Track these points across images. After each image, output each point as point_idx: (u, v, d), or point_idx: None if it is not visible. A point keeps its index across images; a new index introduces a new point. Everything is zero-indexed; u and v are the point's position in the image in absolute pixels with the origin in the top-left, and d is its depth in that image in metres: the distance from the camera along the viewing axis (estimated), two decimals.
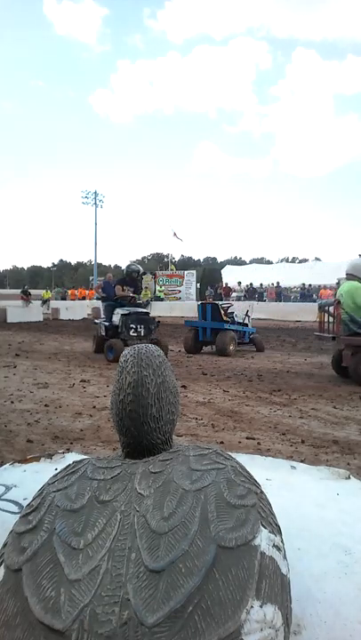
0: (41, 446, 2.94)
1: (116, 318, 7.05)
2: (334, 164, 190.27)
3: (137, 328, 6.81)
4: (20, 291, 21.86)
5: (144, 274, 25.81)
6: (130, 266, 7.78)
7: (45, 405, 4.01)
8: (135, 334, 6.78)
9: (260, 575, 0.50)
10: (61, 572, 0.51)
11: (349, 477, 0.90)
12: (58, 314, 17.24)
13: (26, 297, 19.66)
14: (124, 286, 7.44)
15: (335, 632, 0.58)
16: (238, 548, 0.51)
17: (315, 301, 21.12)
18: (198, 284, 25.23)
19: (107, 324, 7.25)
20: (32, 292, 22.34)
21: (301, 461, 1.42)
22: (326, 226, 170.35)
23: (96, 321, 8.30)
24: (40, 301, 21.79)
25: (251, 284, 26.29)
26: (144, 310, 7.37)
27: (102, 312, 12.83)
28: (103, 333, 7.30)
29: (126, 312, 6.94)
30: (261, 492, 0.62)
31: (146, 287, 23.51)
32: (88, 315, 18.83)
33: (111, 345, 6.72)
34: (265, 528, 0.55)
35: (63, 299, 24.74)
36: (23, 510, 0.63)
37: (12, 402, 4.14)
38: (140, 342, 6.49)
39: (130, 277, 7.64)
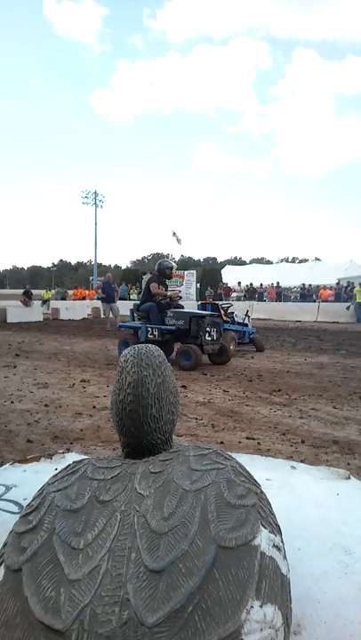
0: (41, 446, 2.94)
1: (179, 321, 6.27)
2: (334, 163, 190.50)
3: (211, 332, 6.11)
4: (22, 292, 21.77)
5: (144, 273, 25.84)
6: (162, 262, 7.03)
7: (45, 405, 4.01)
8: (209, 338, 6.08)
9: (260, 575, 0.50)
10: (61, 572, 0.51)
11: (349, 477, 0.90)
12: (58, 314, 17.22)
13: (27, 299, 19.61)
14: (159, 285, 6.73)
15: (335, 632, 0.58)
16: (238, 548, 0.51)
17: (315, 301, 21.14)
18: (198, 284, 25.21)
19: (163, 327, 6.37)
20: (33, 292, 22.28)
21: (301, 461, 1.42)
22: (326, 226, 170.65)
23: (125, 324, 7.35)
24: (40, 301, 21.75)
25: (251, 284, 26.29)
26: (216, 313, 6.63)
27: (102, 312, 12.48)
28: (155, 336, 6.35)
29: (200, 314, 6.28)
30: (261, 492, 0.62)
31: None
32: (88, 315, 18.82)
33: (187, 350, 5.97)
34: (265, 528, 0.55)
35: (63, 299, 24.68)
36: (23, 510, 0.63)
37: (12, 402, 4.13)
38: (213, 347, 6.19)
39: (163, 275, 6.95)
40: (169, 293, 6.97)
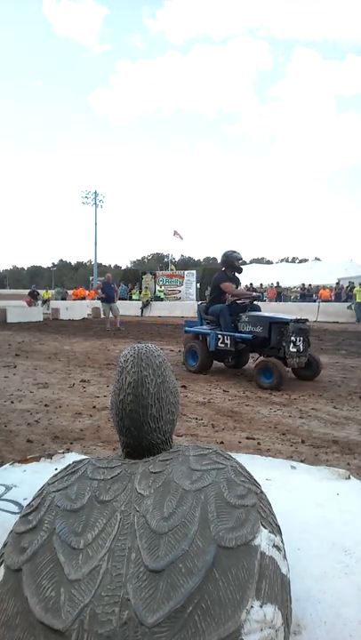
0: (41, 446, 2.94)
1: (256, 328, 5.15)
2: (335, 164, 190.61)
3: (296, 342, 4.98)
4: (26, 292, 21.85)
5: (144, 273, 25.92)
6: (230, 254, 5.75)
7: (45, 405, 4.01)
8: (294, 350, 4.97)
9: (260, 575, 0.50)
10: (61, 572, 0.51)
11: (349, 477, 0.90)
12: (58, 314, 17.22)
13: (32, 299, 19.73)
14: (229, 282, 5.68)
15: (335, 632, 0.58)
16: (238, 548, 0.51)
17: (315, 301, 21.13)
18: (198, 284, 25.22)
19: (236, 334, 5.27)
20: (38, 292, 22.37)
21: (301, 461, 1.42)
22: (326, 226, 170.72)
23: (191, 329, 6.12)
24: (40, 301, 21.77)
25: (251, 283, 26.27)
26: (302, 317, 5.39)
27: (102, 312, 12.05)
28: (227, 346, 5.29)
29: (282, 320, 5.11)
30: (261, 491, 0.62)
31: (146, 287, 23.49)
32: (88, 315, 18.82)
33: (268, 365, 4.86)
34: (265, 528, 0.55)
35: (63, 299, 24.68)
36: (23, 510, 0.63)
37: (12, 402, 4.14)
38: (300, 360, 5.06)
39: (233, 268, 5.77)
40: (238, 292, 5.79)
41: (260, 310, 5.71)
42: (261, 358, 5.16)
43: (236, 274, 5.92)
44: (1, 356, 7.06)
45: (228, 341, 5.30)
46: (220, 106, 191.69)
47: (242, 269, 5.95)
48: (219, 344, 5.39)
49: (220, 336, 5.39)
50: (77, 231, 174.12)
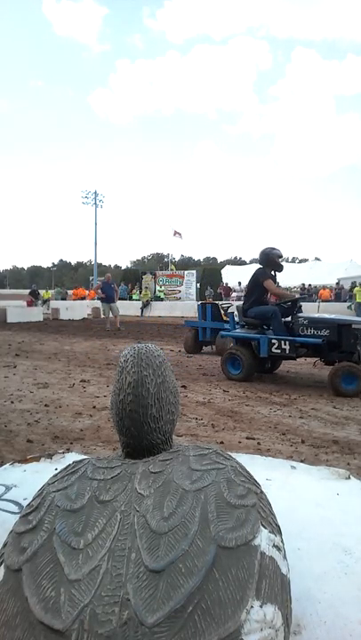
0: (41, 446, 2.94)
1: (322, 331, 4.72)
2: (335, 164, 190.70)
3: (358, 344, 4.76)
4: (26, 292, 21.79)
5: (144, 273, 25.90)
6: (270, 251, 5.29)
7: (45, 405, 4.01)
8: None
9: (260, 575, 0.50)
10: (61, 572, 0.51)
11: (349, 477, 0.90)
12: (58, 314, 17.20)
13: (33, 299, 19.72)
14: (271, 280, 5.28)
15: (335, 632, 0.58)
16: (238, 548, 0.51)
17: (315, 301, 21.13)
18: (198, 284, 25.21)
19: (299, 339, 4.82)
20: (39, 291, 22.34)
21: (301, 461, 1.42)
22: (326, 226, 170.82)
23: (229, 333, 5.64)
24: (40, 301, 21.76)
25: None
26: (358, 319, 5.04)
27: (102, 312, 11.95)
28: (286, 352, 4.81)
29: (348, 321, 4.80)
30: (261, 491, 0.62)
31: (146, 287, 23.48)
32: (88, 315, 18.81)
33: (352, 371, 4.50)
34: (265, 528, 0.55)
35: (63, 299, 24.65)
36: (23, 510, 0.63)
37: (12, 402, 4.14)
38: None
39: (274, 266, 5.32)
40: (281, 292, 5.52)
41: (302, 311, 5.25)
42: (340, 363, 4.69)
43: (277, 272, 5.44)
44: (1, 355, 7.06)
45: (288, 346, 4.79)
46: (220, 106, 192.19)
47: (283, 267, 5.50)
48: (273, 349, 4.87)
49: (275, 341, 4.87)
50: (77, 231, 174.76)
